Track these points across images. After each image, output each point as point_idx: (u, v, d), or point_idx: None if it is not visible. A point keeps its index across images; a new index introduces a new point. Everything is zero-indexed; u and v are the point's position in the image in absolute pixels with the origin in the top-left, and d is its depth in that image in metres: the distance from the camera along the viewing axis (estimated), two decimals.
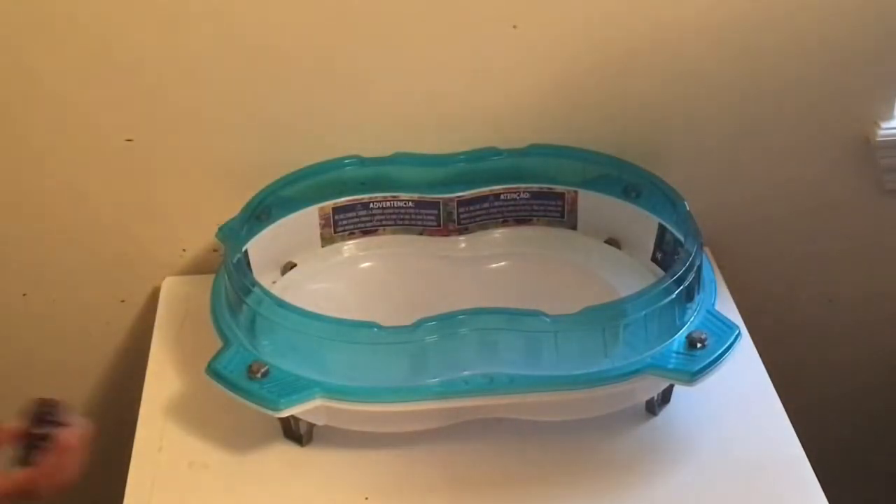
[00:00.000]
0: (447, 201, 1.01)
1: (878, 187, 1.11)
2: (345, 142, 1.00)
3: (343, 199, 1.00)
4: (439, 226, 1.02)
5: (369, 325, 0.83)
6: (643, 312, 0.84)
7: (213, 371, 0.83)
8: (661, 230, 0.96)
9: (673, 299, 0.85)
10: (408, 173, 1.01)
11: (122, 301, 1.10)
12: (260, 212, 0.96)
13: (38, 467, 0.71)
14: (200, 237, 1.04)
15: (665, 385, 0.88)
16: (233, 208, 0.96)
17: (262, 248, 0.96)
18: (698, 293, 0.89)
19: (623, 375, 0.83)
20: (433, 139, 1.01)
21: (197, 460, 0.88)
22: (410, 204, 1.01)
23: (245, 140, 1.01)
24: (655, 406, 0.90)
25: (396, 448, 0.88)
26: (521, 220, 1.04)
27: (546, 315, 0.83)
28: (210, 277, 0.95)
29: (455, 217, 1.02)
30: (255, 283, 0.88)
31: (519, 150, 1.02)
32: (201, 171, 1.02)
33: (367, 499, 0.84)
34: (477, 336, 0.84)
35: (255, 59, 0.96)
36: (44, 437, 0.73)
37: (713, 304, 0.88)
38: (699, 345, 0.84)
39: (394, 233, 1.03)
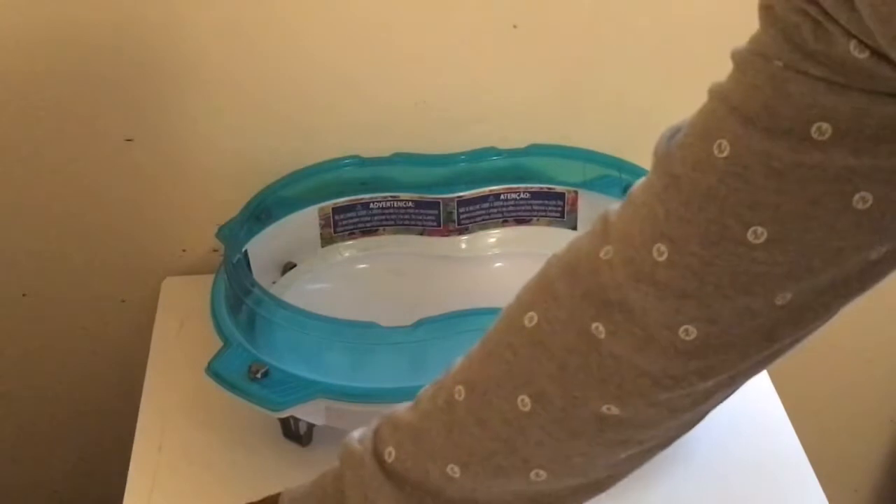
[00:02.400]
0: (447, 201, 1.01)
1: None
2: (345, 142, 1.00)
3: (343, 200, 1.00)
4: (439, 226, 1.02)
5: (369, 325, 0.83)
6: None
7: (213, 371, 0.83)
8: None
9: None
10: (408, 173, 1.01)
11: (123, 301, 1.10)
12: (260, 212, 0.96)
13: None
14: (200, 237, 1.04)
15: None
16: (233, 208, 0.96)
17: (262, 248, 0.96)
18: None
19: None
20: (433, 139, 1.01)
21: (197, 460, 0.88)
22: (410, 204, 1.01)
23: (245, 140, 1.01)
24: None
25: None
26: (521, 220, 1.04)
27: None
28: (210, 277, 0.95)
29: (455, 217, 1.02)
30: (254, 283, 0.88)
31: (519, 150, 1.02)
32: (201, 171, 1.02)
33: None
34: (477, 336, 0.83)
35: (255, 59, 0.96)
36: None
37: None
38: None
39: (394, 233, 1.03)
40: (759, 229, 0.49)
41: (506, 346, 0.59)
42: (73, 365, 1.14)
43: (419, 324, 0.83)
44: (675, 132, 0.54)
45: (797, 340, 0.54)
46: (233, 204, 0.96)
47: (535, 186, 1.02)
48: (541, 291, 0.58)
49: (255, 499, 0.84)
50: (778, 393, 0.94)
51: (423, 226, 1.02)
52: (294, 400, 0.82)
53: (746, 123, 0.49)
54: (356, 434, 0.65)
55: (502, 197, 1.02)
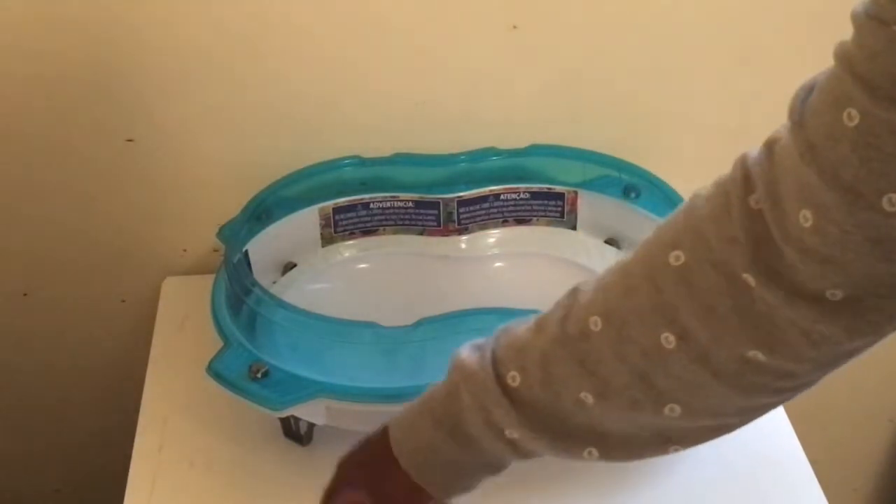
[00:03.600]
0: (447, 201, 1.01)
1: None
2: (345, 142, 1.00)
3: (343, 200, 1.00)
4: (439, 226, 1.02)
5: (369, 325, 0.83)
6: None
7: (214, 371, 0.83)
8: None
9: None
10: (408, 173, 1.01)
11: (123, 301, 1.10)
12: (260, 212, 0.96)
13: None
14: (200, 237, 1.04)
15: None
16: (233, 208, 0.96)
17: (262, 248, 0.96)
18: None
19: None
20: (433, 139, 1.01)
21: (197, 460, 0.88)
22: (410, 204, 1.01)
23: (245, 140, 1.01)
24: None
25: None
26: (521, 220, 1.04)
27: None
28: (210, 277, 0.95)
29: (455, 217, 1.02)
30: (255, 283, 0.88)
31: (519, 150, 1.02)
32: (201, 171, 1.02)
33: None
34: (477, 336, 0.83)
35: (255, 59, 0.96)
36: None
37: None
38: None
39: (394, 233, 1.03)
40: (894, 196, 0.49)
41: (649, 282, 0.58)
42: (74, 365, 1.14)
43: (419, 324, 0.83)
44: (808, 91, 0.53)
45: None
46: (233, 204, 0.96)
47: (535, 186, 1.02)
48: (688, 231, 0.57)
49: (257, 498, 0.84)
50: None
51: (423, 226, 1.02)
52: (294, 400, 0.82)
53: (871, 92, 0.48)
54: (467, 354, 0.64)
55: (502, 197, 1.02)
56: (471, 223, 1.03)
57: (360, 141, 1.01)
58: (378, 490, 0.67)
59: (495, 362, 0.63)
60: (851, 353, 0.56)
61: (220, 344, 0.86)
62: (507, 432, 0.62)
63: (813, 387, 0.60)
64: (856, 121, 0.49)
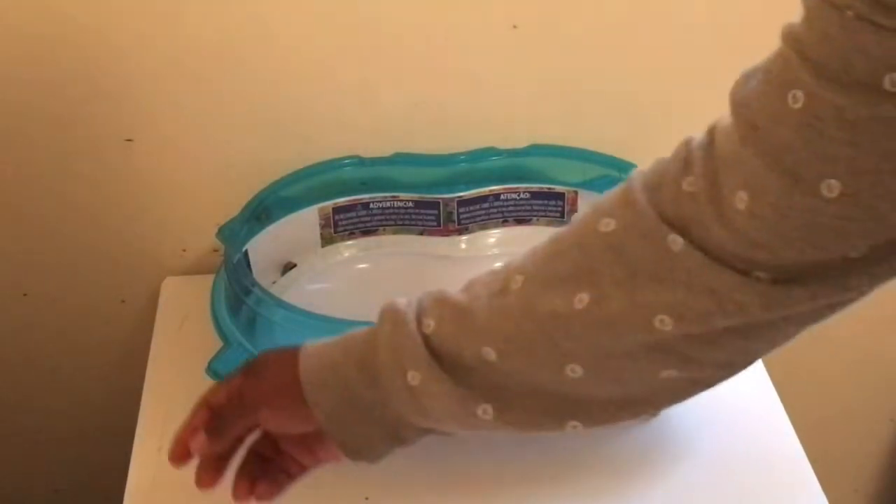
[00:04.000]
0: (447, 201, 1.01)
1: None
2: (345, 142, 1.00)
3: (343, 199, 1.00)
4: (439, 226, 1.02)
5: (369, 326, 0.83)
6: None
7: (214, 371, 0.83)
8: None
9: None
10: (408, 173, 1.01)
11: (123, 301, 1.10)
12: (260, 212, 0.96)
13: None
14: (200, 237, 1.04)
15: None
16: (233, 208, 0.96)
17: (262, 248, 0.96)
18: None
19: None
20: (433, 139, 1.01)
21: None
22: (410, 204, 1.01)
23: (245, 140, 1.01)
24: None
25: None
26: (521, 220, 1.04)
27: None
28: (210, 277, 0.95)
29: (455, 217, 1.02)
30: (254, 283, 0.88)
31: (519, 150, 1.02)
32: (201, 171, 1.02)
33: (367, 499, 0.84)
34: None
35: (255, 59, 0.96)
36: None
37: None
38: None
39: (394, 233, 1.03)
40: (833, 182, 0.49)
41: (576, 246, 0.59)
42: (74, 365, 1.14)
43: None
44: (751, 76, 0.54)
45: (871, 290, 0.55)
46: (233, 204, 0.96)
47: (535, 186, 1.02)
48: (620, 203, 0.59)
49: None
50: (777, 393, 0.94)
51: (423, 226, 1.02)
52: None
53: (819, 75, 0.48)
54: (399, 300, 0.66)
55: (502, 197, 1.02)
56: (471, 223, 1.03)
57: (360, 141, 1.01)
58: (256, 373, 0.69)
59: (419, 309, 0.64)
60: (762, 327, 0.56)
61: (220, 344, 0.86)
62: (409, 375, 0.62)
63: (739, 371, 0.60)
64: (800, 103, 0.49)
